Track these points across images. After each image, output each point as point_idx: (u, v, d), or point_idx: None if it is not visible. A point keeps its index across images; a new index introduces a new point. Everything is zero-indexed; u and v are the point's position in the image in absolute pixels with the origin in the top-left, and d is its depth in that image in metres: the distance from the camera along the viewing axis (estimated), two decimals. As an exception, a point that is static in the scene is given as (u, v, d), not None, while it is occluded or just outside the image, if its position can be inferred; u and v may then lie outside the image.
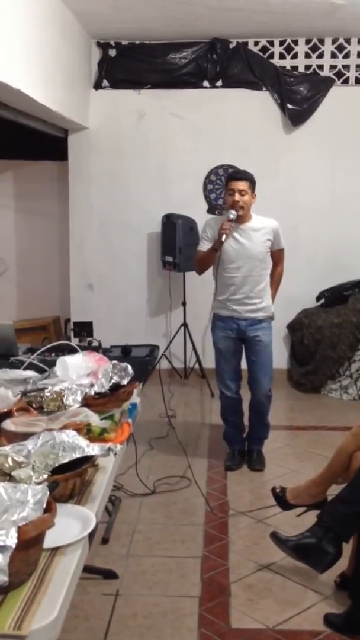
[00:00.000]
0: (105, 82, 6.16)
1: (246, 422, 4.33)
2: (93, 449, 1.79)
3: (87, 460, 1.80)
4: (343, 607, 2.63)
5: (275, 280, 4.19)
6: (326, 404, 5.71)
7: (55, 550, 1.47)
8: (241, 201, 3.88)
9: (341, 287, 6.15)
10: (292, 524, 3.17)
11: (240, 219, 3.94)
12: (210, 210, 6.25)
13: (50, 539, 1.44)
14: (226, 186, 4.00)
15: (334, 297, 6.14)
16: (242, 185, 3.90)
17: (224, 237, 3.82)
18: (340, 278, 6.17)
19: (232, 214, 3.86)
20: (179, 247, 5.81)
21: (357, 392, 5.79)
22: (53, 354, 2.99)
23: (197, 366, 6.19)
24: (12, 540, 1.25)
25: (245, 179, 3.93)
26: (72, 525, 1.59)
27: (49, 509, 1.41)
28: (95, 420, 2.12)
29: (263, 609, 2.69)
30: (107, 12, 5.27)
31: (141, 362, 3.00)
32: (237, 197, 3.88)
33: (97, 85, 6.16)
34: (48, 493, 1.43)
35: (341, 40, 6.04)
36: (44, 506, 1.40)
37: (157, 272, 6.35)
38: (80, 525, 1.60)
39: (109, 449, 1.84)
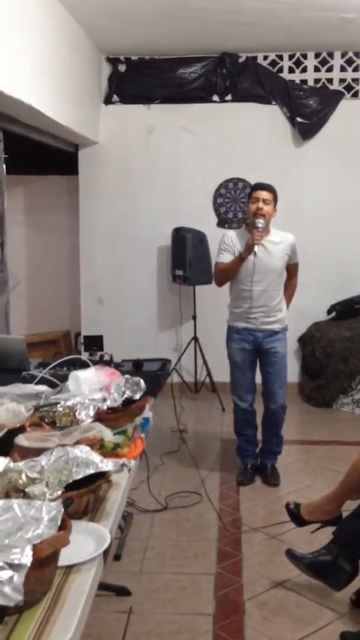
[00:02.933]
0: (115, 97, 6.20)
1: (259, 436, 4.29)
2: (107, 465, 1.77)
3: (101, 476, 1.78)
4: (359, 625, 2.59)
5: (290, 292, 4.20)
6: (338, 418, 5.67)
7: (70, 568, 1.44)
8: (264, 209, 3.88)
9: (352, 300, 6.13)
10: (306, 540, 3.12)
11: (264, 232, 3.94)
12: (220, 223, 6.25)
13: (65, 557, 1.41)
14: (250, 195, 4.01)
15: (345, 310, 6.11)
16: (266, 195, 3.91)
17: (256, 247, 3.81)
18: (351, 291, 6.15)
19: (260, 223, 3.85)
20: (189, 261, 5.81)
21: (370, 406, 5.75)
22: (65, 368, 2.98)
23: (207, 380, 6.16)
24: (27, 559, 1.22)
25: (269, 191, 3.95)
26: (86, 542, 1.57)
27: (64, 527, 1.38)
28: (108, 435, 2.10)
29: (278, 627, 2.64)
30: (117, 28, 5.31)
31: (153, 376, 2.98)
32: (260, 204, 3.88)
33: (107, 100, 6.20)
34: (63, 510, 1.41)
35: (350, 54, 6.05)
36: (59, 523, 1.38)
37: (167, 286, 6.34)
38: (94, 543, 1.57)
39: (123, 464, 1.82)
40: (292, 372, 6.00)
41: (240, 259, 3.91)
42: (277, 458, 4.28)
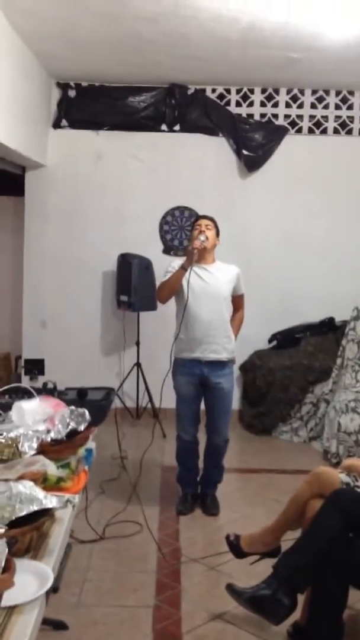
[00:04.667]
0: (64, 122, 6.21)
1: (200, 464, 4.31)
2: (51, 501, 1.76)
3: (45, 512, 1.76)
4: (296, 657, 2.62)
5: (236, 325, 4.22)
6: (277, 446, 5.75)
7: (12, 609, 1.43)
8: (206, 232, 3.96)
9: (293, 330, 6.26)
10: (245, 572, 3.14)
11: (205, 260, 3.99)
12: (166, 250, 6.30)
13: (7, 597, 1.40)
14: (192, 226, 4.14)
15: (286, 339, 6.23)
16: (207, 222, 4.05)
17: (195, 251, 3.89)
18: (293, 320, 6.29)
19: (203, 237, 3.95)
20: (134, 287, 5.82)
21: (308, 435, 5.85)
22: (6, 396, 2.94)
23: (149, 406, 6.15)
24: (-30, 603, 1.21)
25: (211, 220, 4.09)
26: (29, 581, 1.55)
27: (8, 567, 1.37)
28: (52, 469, 2.08)
29: (216, 661, 2.65)
30: (69, 55, 5.35)
31: (97, 405, 2.98)
32: (203, 227, 4.00)
33: (56, 125, 6.20)
34: (7, 550, 1.40)
35: (295, 91, 6.24)
36: (3, 564, 1.36)
37: (112, 311, 6.34)
38: (37, 582, 1.56)
39: (68, 500, 1.81)
40: (233, 399, 6.07)
41: (182, 268, 3.93)
42: (217, 487, 4.30)
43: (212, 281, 4.01)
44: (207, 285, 3.98)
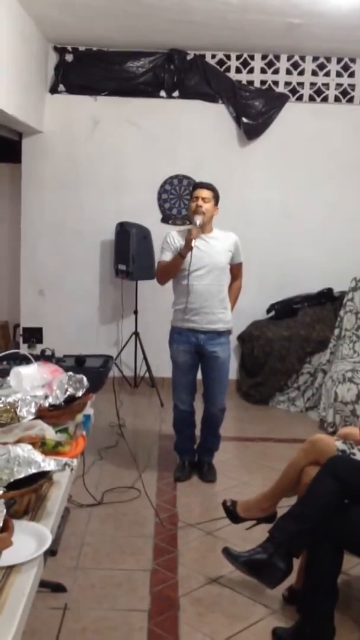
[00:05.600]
0: (61, 87, 6.12)
1: (197, 432, 4.33)
2: (49, 464, 1.77)
3: (43, 475, 1.77)
4: (291, 621, 2.66)
5: (234, 294, 4.21)
6: (274, 415, 5.78)
7: (10, 568, 1.44)
8: (203, 207, 3.92)
9: (291, 301, 6.25)
10: (241, 537, 3.19)
11: (202, 229, 3.97)
12: (164, 219, 6.26)
13: (5, 557, 1.41)
14: (191, 194, 4.05)
15: (284, 310, 6.22)
16: (205, 193, 3.96)
17: (193, 242, 3.85)
18: (291, 291, 6.27)
19: (198, 220, 3.90)
20: (132, 256, 5.79)
21: (304, 405, 5.88)
22: (5, 363, 2.94)
23: (147, 375, 6.17)
24: (-31, 561, 1.22)
25: (209, 189, 4.00)
26: (27, 542, 1.56)
27: (6, 528, 1.38)
28: (50, 433, 2.09)
29: (212, 623, 2.69)
30: (67, 19, 5.25)
31: (95, 372, 2.98)
32: (199, 202, 3.93)
33: (53, 90, 6.11)
34: (5, 511, 1.40)
35: (296, 58, 6.15)
36: (1, 524, 1.37)
37: (110, 280, 6.32)
38: (35, 543, 1.57)
39: (66, 464, 1.82)
40: (231, 369, 6.06)
41: (180, 256, 3.93)
42: (214, 455, 4.34)
43: (210, 251, 3.98)
44: (204, 255, 3.95)
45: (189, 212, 4.09)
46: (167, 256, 4.04)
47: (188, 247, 3.87)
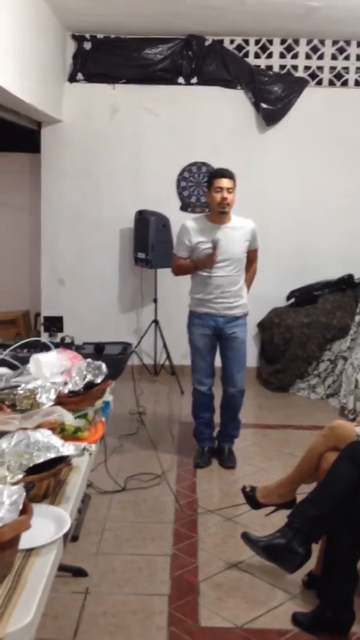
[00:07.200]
0: (79, 76, 6.11)
1: (217, 419, 4.34)
2: (68, 449, 1.79)
3: (62, 460, 1.79)
4: (310, 606, 2.67)
5: (249, 277, 4.23)
6: (294, 402, 5.77)
7: (30, 551, 1.46)
8: (228, 199, 3.90)
9: (311, 288, 6.21)
10: (260, 523, 3.20)
11: (222, 220, 3.95)
12: (183, 207, 6.25)
13: (25, 540, 1.42)
14: (210, 183, 3.98)
15: (304, 297, 6.20)
16: (228, 183, 3.92)
17: (213, 267, 3.92)
18: (311, 278, 6.24)
19: (216, 240, 3.91)
20: (151, 244, 5.80)
21: (325, 392, 5.86)
22: (25, 351, 2.97)
23: (167, 363, 6.18)
24: (-12, 543, 1.24)
25: (230, 178, 3.95)
26: (46, 525, 1.58)
27: (25, 511, 1.39)
28: (69, 419, 2.11)
29: (231, 608, 2.71)
30: (84, 6, 5.23)
31: (114, 359, 3.00)
32: (225, 194, 3.89)
33: (72, 79, 6.11)
34: (24, 494, 1.42)
35: (316, 42, 6.08)
36: (20, 507, 1.39)
37: (129, 269, 6.33)
38: (54, 526, 1.59)
39: (84, 448, 1.83)
40: (251, 356, 6.07)
41: (195, 267, 3.99)
42: (234, 441, 4.34)
43: (228, 244, 3.98)
44: (222, 248, 3.95)
45: (209, 200, 4.06)
46: (182, 251, 4.06)
47: (205, 266, 3.93)
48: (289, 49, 6.11)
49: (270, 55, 6.13)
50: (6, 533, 1.29)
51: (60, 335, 3.47)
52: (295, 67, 6.14)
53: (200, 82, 6.12)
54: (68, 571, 2.88)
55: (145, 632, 2.54)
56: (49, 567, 1.43)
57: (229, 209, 3.94)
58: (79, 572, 2.90)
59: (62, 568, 2.86)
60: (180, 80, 6.13)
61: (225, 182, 3.91)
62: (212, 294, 4.03)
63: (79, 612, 2.64)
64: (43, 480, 1.69)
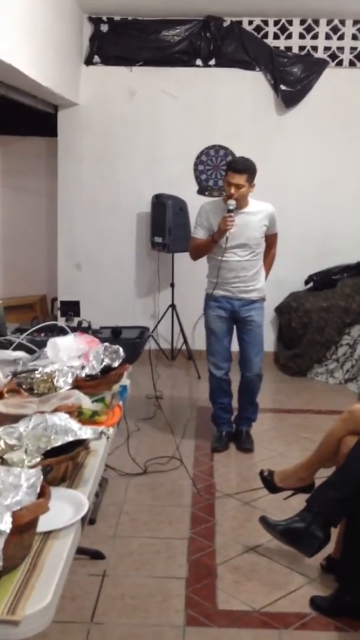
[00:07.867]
0: (96, 58, 6.07)
1: (234, 404, 4.33)
2: (85, 432, 1.78)
3: (80, 443, 1.79)
4: (328, 589, 2.66)
5: (268, 262, 4.21)
6: (312, 387, 5.74)
7: (48, 534, 1.46)
8: (236, 194, 3.86)
9: (330, 272, 6.16)
10: (278, 507, 3.19)
11: (237, 205, 3.93)
12: (201, 191, 6.20)
13: (43, 523, 1.43)
14: (226, 172, 3.96)
15: (323, 281, 6.14)
16: (238, 179, 3.84)
17: (227, 233, 3.84)
18: (329, 262, 6.18)
19: (232, 205, 3.84)
20: (168, 228, 5.77)
21: (343, 376, 5.82)
22: (42, 334, 2.97)
23: (184, 347, 6.18)
24: (6, 526, 1.24)
25: (244, 172, 3.86)
26: (64, 508, 1.58)
27: (43, 494, 1.39)
28: (86, 402, 2.11)
29: (249, 591, 2.71)
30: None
31: (131, 344, 2.99)
32: (232, 190, 3.86)
33: (88, 61, 6.06)
34: (42, 477, 1.42)
35: (336, 22, 5.98)
36: (38, 490, 1.38)
37: (146, 253, 6.31)
38: (72, 509, 1.59)
39: (102, 432, 1.83)
40: (268, 341, 6.04)
41: (213, 240, 3.94)
42: (252, 425, 4.34)
43: (244, 227, 3.95)
44: (238, 232, 3.92)
45: (224, 184, 4.02)
46: (200, 232, 4.04)
47: (222, 234, 3.86)
48: (308, 29, 6.02)
49: (289, 36, 6.04)
50: (24, 515, 1.29)
51: (77, 319, 3.47)
52: (315, 48, 6.05)
53: (219, 64, 6.05)
54: (86, 554, 2.90)
55: (162, 614, 2.55)
56: (66, 550, 1.43)
57: (237, 203, 3.90)
58: (96, 555, 2.92)
59: (80, 551, 2.87)
60: (199, 62, 6.06)
61: (234, 178, 3.84)
62: (227, 277, 4.02)
63: (97, 595, 2.66)
64: (61, 463, 1.70)
